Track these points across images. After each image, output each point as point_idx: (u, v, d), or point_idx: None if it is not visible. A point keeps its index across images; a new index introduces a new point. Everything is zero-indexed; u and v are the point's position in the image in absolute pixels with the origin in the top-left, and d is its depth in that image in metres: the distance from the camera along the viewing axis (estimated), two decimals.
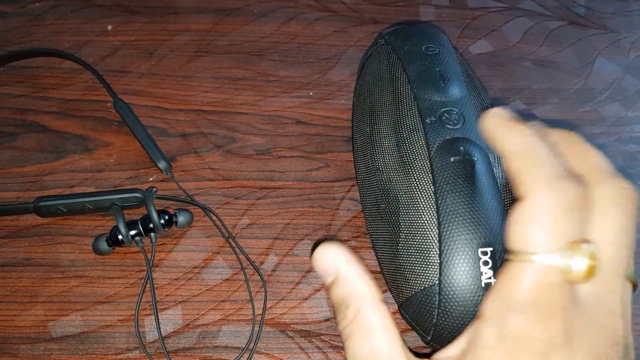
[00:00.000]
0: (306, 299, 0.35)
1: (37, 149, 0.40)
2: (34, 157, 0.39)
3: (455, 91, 0.32)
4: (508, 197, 0.30)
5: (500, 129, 0.21)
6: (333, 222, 0.38)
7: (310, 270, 0.36)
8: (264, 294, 0.35)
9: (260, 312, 0.34)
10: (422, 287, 0.29)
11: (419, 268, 0.29)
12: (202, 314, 0.34)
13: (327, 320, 0.34)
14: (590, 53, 0.49)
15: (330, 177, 0.40)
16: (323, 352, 0.33)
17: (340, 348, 0.33)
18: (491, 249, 0.28)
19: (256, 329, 0.34)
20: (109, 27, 0.46)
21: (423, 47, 0.35)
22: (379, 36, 0.38)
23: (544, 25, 0.50)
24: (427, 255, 0.29)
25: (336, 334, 0.34)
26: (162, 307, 0.34)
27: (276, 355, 0.33)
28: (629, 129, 0.44)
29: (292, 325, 0.34)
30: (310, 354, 0.33)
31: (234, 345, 0.33)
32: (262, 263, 0.36)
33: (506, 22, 0.50)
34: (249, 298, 0.35)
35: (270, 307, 0.34)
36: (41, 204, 0.35)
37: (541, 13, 0.51)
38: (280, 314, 0.34)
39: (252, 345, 0.33)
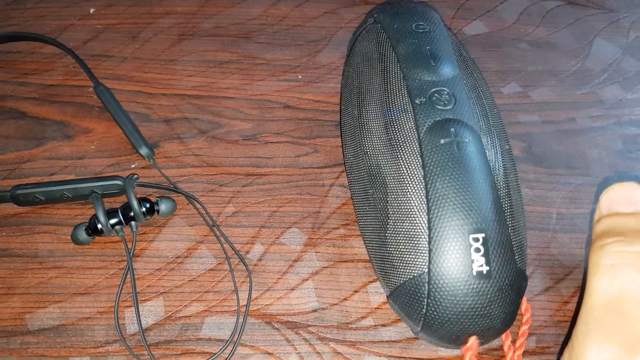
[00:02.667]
0: (293, 289, 0.34)
1: (16, 135, 0.38)
2: (13, 145, 0.38)
3: (447, 70, 0.31)
4: (500, 181, 0.29)
5: None
6: (322, 209, 0.36)
7: (298, 259, 0.34)
8: (249, 284, 0.33)
9: (245, 303, 0.33)
10: (411, 276, 0.28)
11: (408, 256, 0.28)
12: (185, 306, 0.33)
13: (314, 311, 0.33)
14: (588, 34, 0.47)
15: (319, 163, 0.38)
16: (310, 344, 0.32)
17: (328, 340, 0.32)
18: (483, 235, 0.27)
19: (241, 320, 0.32)
20: (92, 10, 0.45)
21: (413, 25, 0.33)
22: (369, 15, 0.36)
23: (540, 5, 0.48)
24: (416, 242, 0.28)
25: (324, 324, 0.32)
26: (143, 299, 0.33)
27: (261, 347, 0.32)
28: (629, 112, 0.42)
29: (278, 317, 0.33)
30: (297, 346, 0.32)
31: (217, 338, 0.32)
32: (247, 252, 0.35)
33: (502, 2, 0.48)
34: (234, 289, 0.33)
35: (256, 298, 0.33)
36: (18, 192, 0.34)
37: None
38: (266, 304, 0.33)
39: (236, 337, 0.32)
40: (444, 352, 0.32)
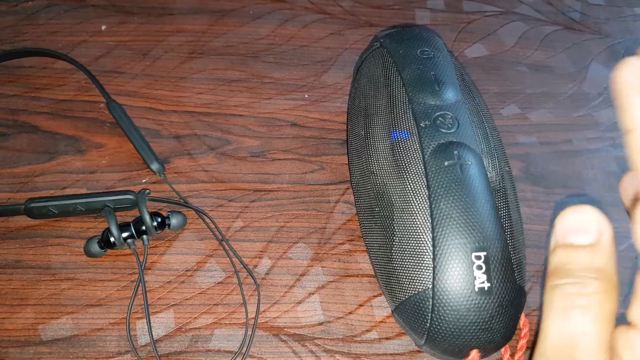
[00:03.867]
0: (300, 303, 0.35)
1: (29, 149, 0.39)
2: (25, 158, 0.39)
3: (450, 95, 0.32)
4: (501, 202, 0.30)
5: None
6: (327, 225, 0.38)
7: (304, 273, 0.35)
8: (257, 297, 0.34)
9: (254, 315, 0.34)
10: (416, 291, 0.29)
11: (413, 272, 0.29)
12: (195, 318, 0.34)
13: (320, 324, 0.34)
14: (584, 58, 0.49)
15: (325, 180, 0.39)
16: (316, 356, 0.33)
17: (333, 352, 0.33)
18: (485, 253, 0.28)
19: (249, 332, 0.33)
20: (103, 27, 0.46)
21: (418, 51, 0.35)
22: (375, 39, 0.38)
23: (539, 30, 0.50)
24: (420, 259, 0.29)
25: (330, 337, 0.33)
26: (154, 311, 0.34)
27: (269, 359, 0.33)
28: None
29: (285, 329, 0.34)
30: (304, 358, 0.33)
31: (226, 349, 0.33)
32: (255, 266, 0.36)
33: (501, 26, 0.50)
34: (242, 301, 0.34)
35: (264, 311, 0.34)
36: (32, 205, 0.35)
37: (536, 18, 0.51)
38: (274, 317, 0.34)
39: (244, 349, 0.33)
40: None
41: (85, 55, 0.44)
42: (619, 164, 0.42)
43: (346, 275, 0.36)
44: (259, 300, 0.34)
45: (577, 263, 0.22)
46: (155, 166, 0.38)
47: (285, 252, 0.36)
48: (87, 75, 0.42)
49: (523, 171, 0.41)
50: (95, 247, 0.35)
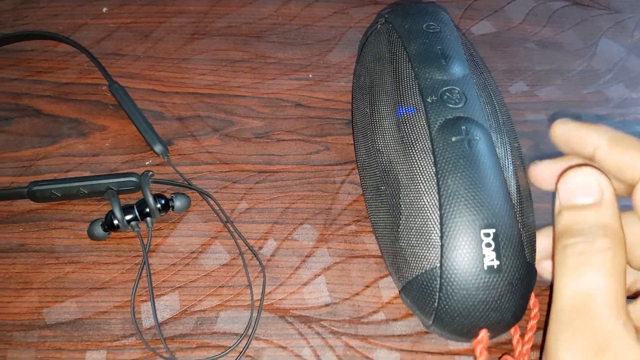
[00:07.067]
0: (305, 284, 0.34)
1: (31, 133, 0.39)
2: (28, 142, 0.39)
3: (457, 69, 0.32)
4: (510, 178, 0.29)
5: (583, 128, 0.25)
6: (333, 205, 0.37)
7: (310, 254, 0.35)
8: (262, 279, 0.34)
9: (259, 297, 0.33)
10: (424, 270, 0.28)
11: (420, 251, 0.28)
12: (200, 300, 0.33)
13: (327, 305, 0.34)
14: (594, 34, 0.48)
15: (330, 161, 0.39)
16: (323, 337, 0.32)
17: (340, 334, 0.33)
18: (494, 230, 0.27)
19: (255, 314, 0.33)
20: (104, 10, 0.45)
21: (424, 25, 0.34)
22: (379, 15, 0.37)
23: (547, 6, 0.49)
24: (428, 237, 0.28)
25: (336, 319, 0.33)
26: (158, 293, 0.33)
27: (275, 341, 0.32)
28: (634, 110, 0.43)
29: (291, 311, 0.33)
30: (310, 340, 0.32)
31: (232, 331, 0.32)
32: (260, 248, 0.35)
33: (509, 2, 0.49)
34: (248, 283, 0.34)
35: (269, 293, 0.34)
36: (35, 188, 0.35)
37: None
38: (279, 299, 0.34)
39: (250, 331, 0.32)
40: (454, 345, 0.32)
41: (87, 38, 0.44)
42: None
43: (352, 256, 0.35)
44: (264, 282, 0.34)
45: (584, 222, 0.23)
46: (158, 148, 0.38)
47: (290, 234, 0.36)
48: (89, 57, 0.42)
49: (533, 149, 0.40)
50: (99, 230, 0.34)
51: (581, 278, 0.23)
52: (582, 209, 0.24)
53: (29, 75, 0.42)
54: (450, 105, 0.30)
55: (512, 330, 0.31)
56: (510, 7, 0.49)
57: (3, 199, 0.36)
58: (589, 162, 0.26)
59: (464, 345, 0.33)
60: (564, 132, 0.27)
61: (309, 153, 0.39)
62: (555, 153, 0.40)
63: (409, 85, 0.32)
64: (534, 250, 0.30)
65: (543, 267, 0.30)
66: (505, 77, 0.44)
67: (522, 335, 0.31)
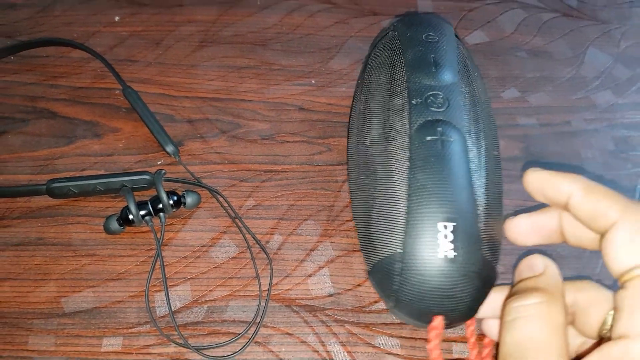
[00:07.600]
0: (310, 276, 0.36)
1: (48, 134, 0.41)
2: (45, 142, 0.41)
3: (446, 77, 0.34)
4: (479, 180, 0.31)
5: (557, 177, 0.27)
6: (335, 203, 0.39)
7: (314, 248, 0.37)
8: (269, 271, 0.36)
9: (267, 288, 0.35)
10: (388, 254, 0.30)
11: (386, 236, 0.30)
12: (210, 290, 0.35)
13: (330, 295, 0.35)
14: (582, 43, 0.50)
15: (332, 161, 0.41)
16: (327, 325, 0.34)
17: (343, 322, 0.34)
18: (454, 224, 0.29)
19: (262, 303, 0.35)
20: (117, 18, 0.48)
21: (424, 35, 0.36)
22: (391, 24, 0.39)
23: (537, 17, 0.52)
24: (394, 224, 0.30)
25: (339, 308, 0.35)
26: (171, 284, 0.35)
27: (282, 328, 0.34)
28: (620, 115, 0.45)
29: (297, 301, 0.35)
30: (315, 327, 0.34)
31: (241, 320, 0.34)
32: (267, 242, 0.37)
33: (501, 13, 0.52)
34: (256, 275, 0.36)
35: (276, 284, 0.36)
36: (53, 185, 0.37)
37: (535, 5, 0.52)
38: (286, 289, 0.36)
39: (258, 319, 0.34)
40: (451, 333, 0.34)
41: (100, 45, 0.46)
42: (616, 143, 0.44)
43: (354, 250, 0.37)
44: (271, 273, 0.36)
45: (524, 285, 0.27)
46: (170, 148, 0.40)
47: (295, 229, 0.38)
48: (103, 63, 0.44)
49: (523, 151, 0.43)
50: (114, 225, 0.36)
51: (516, 329, 0.25)
52: (525, 280, 0.27)
53: (45, 79, 0.44)
54: (433, 109, 0.32)
55: (469, 334, 0.32)
56: (502, 18, 0.51)
57: (22, 196, 0.38)
58: (562, 210, 0.28)
59: (459, 333, 0.34)
60: (537, 181, 0.28)
61: (312, 154, 0.41)
62: (543, 160, 0.42)
63: (400, 87, 0.34)
64: (497, 250, 0.31)
65: (490, 326, 0.32)
66: (497, 84, 0.46)
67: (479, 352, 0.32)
